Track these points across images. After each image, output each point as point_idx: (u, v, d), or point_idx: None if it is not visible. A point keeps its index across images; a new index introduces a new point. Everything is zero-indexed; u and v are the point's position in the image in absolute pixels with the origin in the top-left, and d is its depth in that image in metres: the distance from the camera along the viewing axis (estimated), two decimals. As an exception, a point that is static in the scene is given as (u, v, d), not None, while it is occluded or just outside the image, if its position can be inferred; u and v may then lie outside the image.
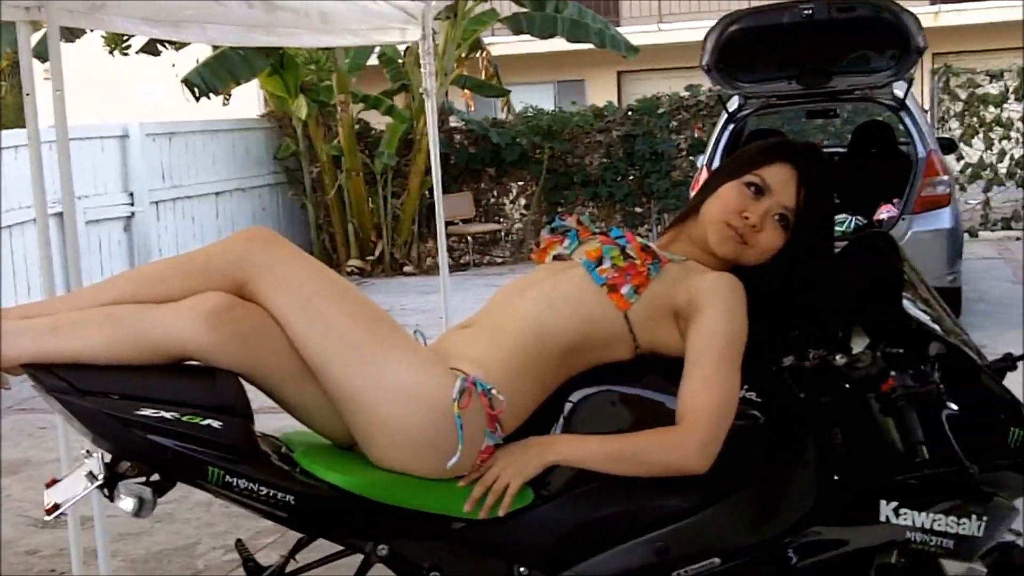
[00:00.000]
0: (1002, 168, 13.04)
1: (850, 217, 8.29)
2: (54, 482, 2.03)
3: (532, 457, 2.14)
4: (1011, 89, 13.26)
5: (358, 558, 2.23)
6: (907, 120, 8.28)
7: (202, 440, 1.92)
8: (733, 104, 8.66)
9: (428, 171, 13.01)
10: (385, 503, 2.05)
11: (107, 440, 1.93)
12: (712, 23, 7.85)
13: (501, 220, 13.96)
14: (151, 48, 10.41)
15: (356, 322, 2.06)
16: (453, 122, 13.94)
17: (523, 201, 13.91)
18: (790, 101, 8.74)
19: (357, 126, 12.85)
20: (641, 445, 2.15)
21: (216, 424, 1.93)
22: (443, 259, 5.57)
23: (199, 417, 1.92)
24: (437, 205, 5.56)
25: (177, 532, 4.90)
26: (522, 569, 2.15)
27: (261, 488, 1.95)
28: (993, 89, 13.41)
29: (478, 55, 13.98)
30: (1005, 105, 13.28)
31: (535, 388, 2.20)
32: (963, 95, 13.43)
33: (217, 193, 12.33)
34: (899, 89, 8.27)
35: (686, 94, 13.76)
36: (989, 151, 13.14)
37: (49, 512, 1.95)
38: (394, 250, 12.94)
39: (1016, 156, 13.25)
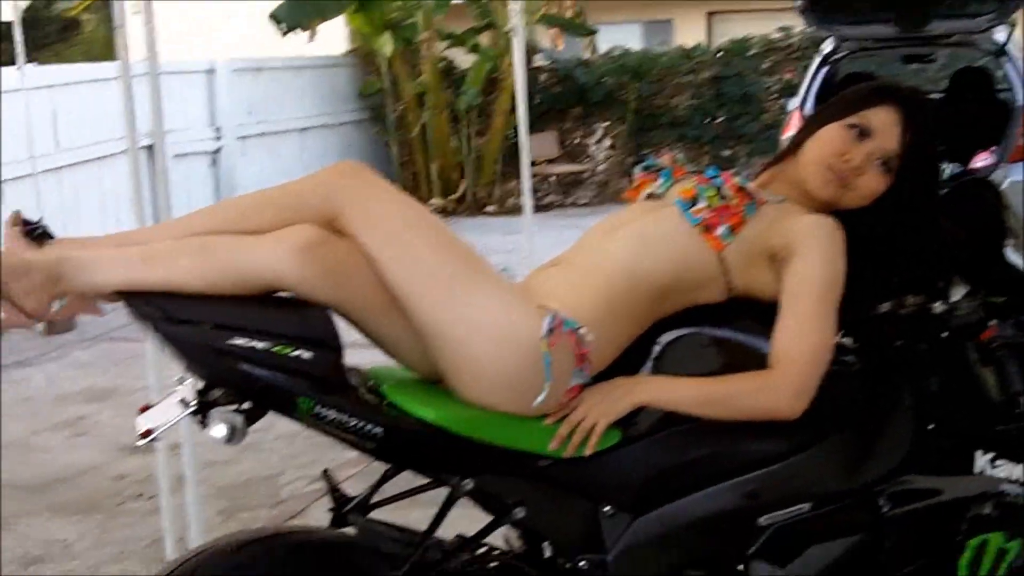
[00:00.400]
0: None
1: (946, 164, 8.07)
2: (147, 408, 2.05)
3: (620, 397, 2.12)
4: None
5: (444, 491, 2.23)
6: (1007, 67, 8.07)
7: (292, 371, 1.92)
8: (827, 47, 8.46)
9: (512, 110, 12.97)
10: (471, 438, 2.05)
11: (200, 368, 1.94)
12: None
13: (585, 161, 13.84)
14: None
15: (445, 258, 2.05)
16: (538, 61, 13.82)
17: (608, 142, 13.79)
18: (885, 45, 8.52)
19: (441, 64, 12.81)
20: (733, 388, 2.12)
21: (306, 355, 1.93)
22: (527, 199, 5.55)
23: (290, 348, 1.92)
24: (522, 144, 5.50)
25: (262, 461, 4.99)
26: (607, 508, 2.14)
27: (350, 420, 1.96)
28: None
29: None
30: None
31: (625, 328, 2.18)
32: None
33: (302, 129, 12.38)
34: (1000, 34, 8.05)
35: (778, 36, 13.51)
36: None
37: (143, 436, 1.98)
38: (477, 189, 12.92)
39: None
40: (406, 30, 12.29)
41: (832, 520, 2.20)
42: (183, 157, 10.19)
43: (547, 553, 2.26)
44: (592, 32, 13.55)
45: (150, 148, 10.62)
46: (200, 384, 2.00)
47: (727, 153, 13.53)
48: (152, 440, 1.98)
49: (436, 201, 12.74)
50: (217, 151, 11.10)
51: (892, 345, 2.22)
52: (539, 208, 13.21)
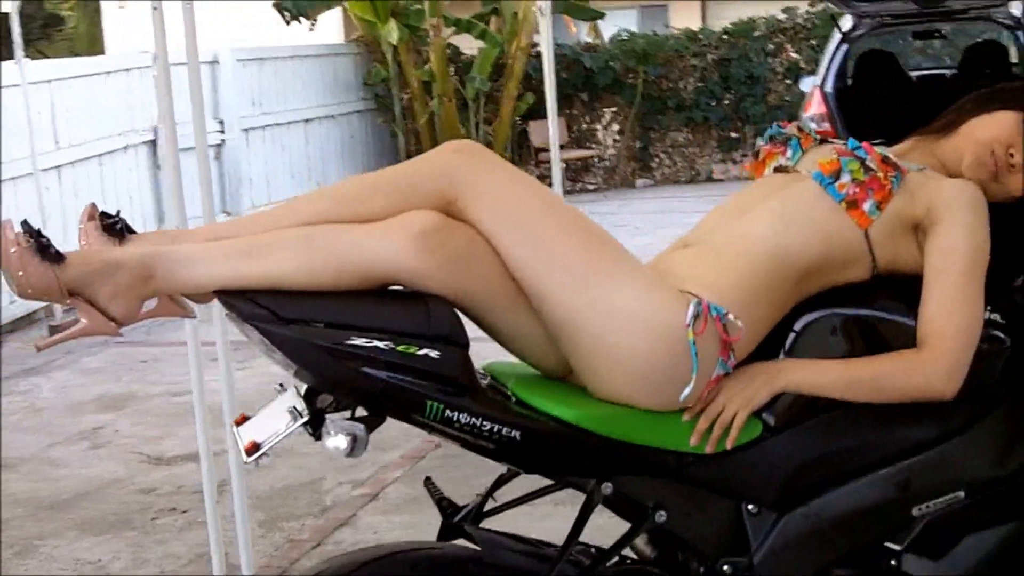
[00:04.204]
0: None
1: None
2: (244, 419, 1.85)
3: (761, 385, 1.95)
4: None
5: (558, 496, 2.12)
6: (1023, 40, 8.02)
7: (419, 371, 1.72)
8: (846, 24, 8.29)
9: (520, 96, 12.92)
10: (610, 437, 1.87)
11: (314, 372, 1.72)
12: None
13: (593, 146, 13.66)
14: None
15: (578, 242, 1.85)
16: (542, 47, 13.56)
17: (616, 127, 13.60)
18: (904, 20, 8.41)
19: (448, 51, 12.56)
20: (880, 369, 1.97)
21: (434, 354, 1.72)
22: (558, 181, 5.50)
23: (415, 347, 1.72)
24: (552, 128, 5.45)
25: (300, 467, 4.73)
26: (751, 507, 1.99)
27: (484, 423, 1.76)
28: None
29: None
30: None
31: (768, 313, 1.99)
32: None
33: (307, 120, 12.10)
34: (1016, 9, 7.98)
35: (783, 17, 13.41)
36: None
37: (249, 451, 1.75)
38: (486, 178, 12.67)
39: None
40: (411, 17, 12.02)
41: (987, 508, 2.08)
42: (186, 151, 9.85)
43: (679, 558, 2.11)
44: (600, 15, 13.29)
45: (152, 144, 10.32)
46: (303, 390, 1.80)
47: (734, 135, 13.49)
48: (261, 456, 1.73)
49: (444, 191, 12.48)
50: (220, 144, 10.80)
51: None
52: (548, 195, 13.02)
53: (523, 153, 13.31)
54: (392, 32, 11.78)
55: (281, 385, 1.85)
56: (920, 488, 2.02)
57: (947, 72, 9.83)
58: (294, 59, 12.03)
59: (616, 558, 2.02)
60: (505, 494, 2.12)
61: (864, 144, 2.11)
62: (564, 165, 13.23)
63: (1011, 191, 2.14)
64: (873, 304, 2.08)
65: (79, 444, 5.36)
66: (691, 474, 1.94)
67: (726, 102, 13.41)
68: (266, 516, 4.22)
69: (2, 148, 7.56)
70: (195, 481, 4.62)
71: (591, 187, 13.53)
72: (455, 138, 12.28)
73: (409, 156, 12.96)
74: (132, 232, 1.80)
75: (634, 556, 2.12)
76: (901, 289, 2.06)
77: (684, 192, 12.80)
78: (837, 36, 8.24)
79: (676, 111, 13.42)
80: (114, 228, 1.78)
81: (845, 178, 2.04)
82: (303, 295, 1.75)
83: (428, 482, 2.13)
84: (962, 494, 2.04)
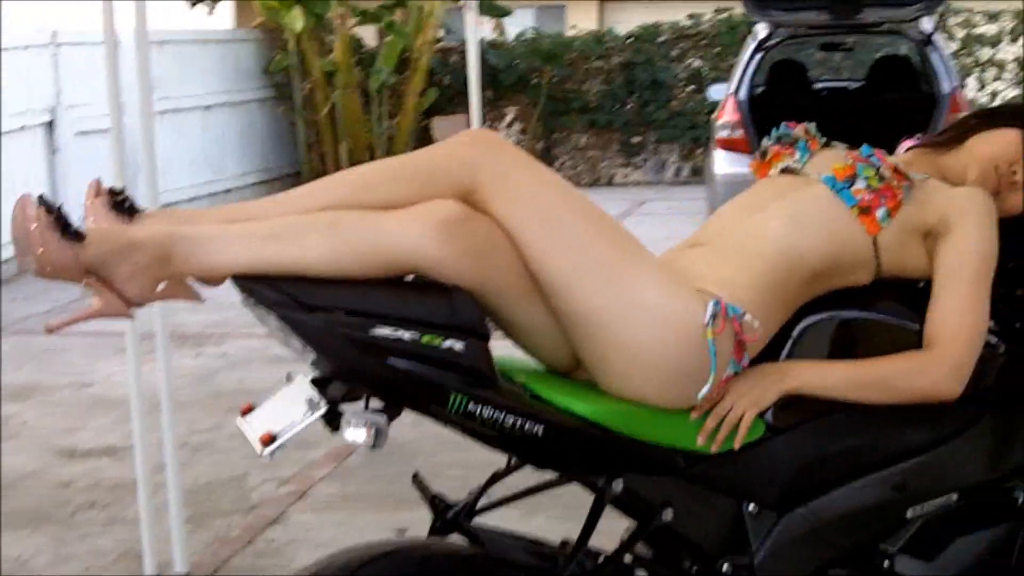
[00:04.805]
0: (994, 108, 13.03)
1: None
2: (250, 409, 1.78)
3: (769, 385, 1.96)
4: (1007, 30, 13.45)
5: (550, 495, 2.12)
6: (933, 56, 8.23)
7: (444, 363, 1.68)
8: (761, 33, 8.43)
9: (424, 91, 12.83)
10: (624, 434, 1.86)
11: (336, 361, 1.68)
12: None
13: (495, 145, 13.58)
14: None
15: (599, 236, 1.84)
16: (449, 42, 13.51)
17: (519, 126, 13.56)
18: (818, 32, 8.60)
19: (352, 42, 12.39)
20: (888, 370, 2.00)
21: (458, 346, 1.69)
22: None
23: (440, 338, 1.68)
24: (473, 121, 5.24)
25: (220, 463, 4.61)
26: (751, 507, 2.01)
27: (507, 417, 1.73)
28: (990, 29, 13.46)
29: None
30: (999, 46, 13.51)
31: (778, 314, 2.01)
32: (960, 34, 13.47)
33: (206, 107, 11.80)
34: (927, 24, 8.19)
35: (688, 23, 13.53)
36: (981, 91, 13.29)
37: (265, 442, 1.67)
38: (387, 172, 12.55)
39: (1008, 97, 13.39)
40: (317, 5, 11.81)
41: (978, 510, 2.14)
42: (86, 135, 9.54)
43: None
44: (508, 12, 13.25)
45: (49, 125, 9.94)
46: (315, 379, 1.73)
47: (637, 139, 13.55)
48: (278, 448, 1.66)
49: (345, 184, 12.32)
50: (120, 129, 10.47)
51: None
52: (449, 193, 12.94)
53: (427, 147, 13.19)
54: (297, 20, 11.57)
55: (289, 374, 1.79)
56: (915, 490, 2.07)
57: (849, 85, 10.05)
58: (194, 43, 11.72)
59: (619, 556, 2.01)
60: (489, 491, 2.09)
61: (877, 151, 2.15)
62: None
63: (1011, 208, 2.20)
64: (873, 307, 2.12)
65: (-12, 434, 5.12)
66: (696, 473, 1.95)
67: (629, 106, 13.47)
68: (192, 513, 4.07)
69: None
70: (113, 475, 4.48)
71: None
72: (357, 132, 12.03)
73: (310, 147, 12.84)
74: (138, 210, 1.70)
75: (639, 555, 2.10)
76: (899, 292, 2.10)
77: (586, 196, 12.82)
78: (752, 44, 8.34)
79: (580, 113, 13.44)
80: (122, 206, 1.69)
81: (860, 184, 2.07)
82: (325, 282, 1.69)
83: (417, 479, 2.08)
84: (955, 496, 2.09)
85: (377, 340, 1.64)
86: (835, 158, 2.16)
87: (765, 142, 2.28)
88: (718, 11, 13.63)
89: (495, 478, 2.06)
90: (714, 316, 1.84)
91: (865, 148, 2.15)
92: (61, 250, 1.59)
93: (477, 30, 6.19)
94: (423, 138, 13.04)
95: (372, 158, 12.27)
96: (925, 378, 1.99)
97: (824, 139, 2.27)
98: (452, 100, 13.20)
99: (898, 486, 2.06)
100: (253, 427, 1.72)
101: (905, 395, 2.00)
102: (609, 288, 1.81)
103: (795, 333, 2.05)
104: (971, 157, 2.21)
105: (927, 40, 8.16)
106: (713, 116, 8.56)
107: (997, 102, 13.14)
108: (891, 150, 7.48)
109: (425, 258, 1.71)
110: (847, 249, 2.05)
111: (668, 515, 1.93)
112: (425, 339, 1.67)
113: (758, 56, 8.32)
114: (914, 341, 2.03)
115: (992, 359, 2.10)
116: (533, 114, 13.36)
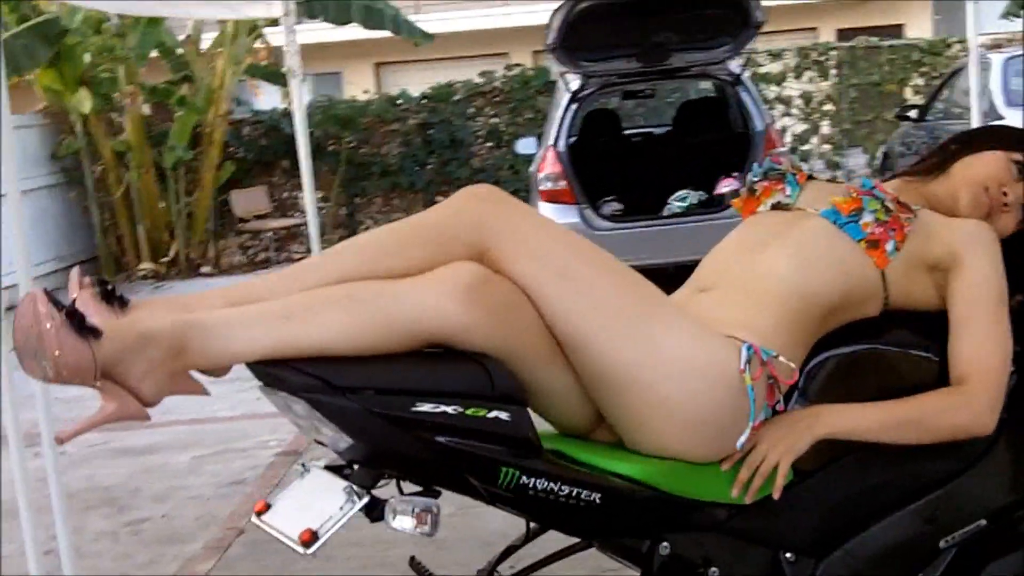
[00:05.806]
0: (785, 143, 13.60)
1: (690, 192, 8.31)
2: (266, 507, 1.61)
3: (802, 431, 1.89)
4: (791, 67, 14.12)
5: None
6: (743, 95, 8.39)
7: (491, 435, 1.55)
8: (574, 84, 8.45)
9: (220, 166, 12.47)
10: (672, 493, 1.77)
11: (377, 444, 1.52)
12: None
13: (297, 215, 13.31)
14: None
15: (620, 288, 1.74)
16: (240, 114, 13.20)
17: (320, 194, 13.30)
18: (629, 79, 8.69)
19: (144, 120, 11.94)
20: (924, 410, 1.95)
21: (503, 416, 1.56)
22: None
23: (483, 409, 1.55)
24: (307, 191, 5.55)
25: (92, 567, 4.20)
26: (788, 555, 1.94)
27: (563, 487, 1.62)
28: (774, 68, 14.07)
29: (260, 43, 13.26)
30: (785, 83, 14.19)
31: (800, 352, 1.94)
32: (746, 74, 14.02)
33: (-10, 197, 11.13)
34: (735, 65, 8.41)
35: (480, 80, 13.61)
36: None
37: (307, 542, 1.49)
38: (189, 250, 12.12)
39: (796, 132, 14.07)
40: (104, 85, 11.33)
41: (1007, 534, 2.12)
42: None
43: None
44: (430, 38, 12.99)
45: None
46: (329, 466, 1.60)
47: (440, 199, 13.42)
48: (319, 546, 1.47)
49: (146, 266, 11.84)
50: None
51: None
52: (255, 264, 12.62)
53: (225, 223, 12.82)
54: (84, 101, 11.06)
55: (303, 465, 1.63)
56: (945, 520, 2.05)
57: (655, 131, 10.19)
58: (-25, 131, 11.08)
59: None
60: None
61: (877, 184, 2.13)
62: (271, 234, 12.90)
63: (1001, 229, 2.18)
64: (886, 340, 2.09)
65: None
66: (732, 526, 1.88)
67: (430, 166, 13.43)
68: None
69: None
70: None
71: (297, 256, 13.19)
72: (154, 211, 11.55)
73: (105, 231, 12.27)
74: (128, 300, 1.50)
75: None
76: (908, 323, 2.08)
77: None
78: (566, 96, 8.34)
79: (381, 177, 13.32)
80: (112, 296, 1.48)
81: (868, 217, 2.04)
82: (351, 360, 1.54)
83: (414, 562, 1.94)
84: (984, 522, 2.07)
85: (421, 418, 1.50)
86: (831, 191, 2.13)
87: (751, 178, 2.23)
88: (508, 67, 13.78)
89: (509, 551, 1.95)
90: (749, 361, 1.77)
91: (866, 181, 2.13)
92: (78, 351, 1.39)
93: (303, 97, 6.04)
94: (223, 213, 12.68)
95: (171, 237, 11.92)
96: (963, 415, 1.96)
97: (810, 173, 2.25)
98: (249, 172, 12.95)
99: (929, 518, 2.05)
100: (282, 526, 1.54)
101: (943, 433, 1.97)
102: (637, 342, 1.71)
103: (807, 368, 2.01)
104: (959, 183, 2.19)
105: (737, 80, 8.34)
106: (532, 169, 8.56)
107: (788, 137, 13.74)
108: (709, 189, 7.67)
109: (452, 325, 1.59)
110: (858, 283, 2.02)
111: (714, 574, 1.85)
112: (470, 411, 1.54)
113: (573, 107, 8.33)
114: (926, 370, 2.01)
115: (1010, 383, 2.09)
116: (333, 181, 13.16)
